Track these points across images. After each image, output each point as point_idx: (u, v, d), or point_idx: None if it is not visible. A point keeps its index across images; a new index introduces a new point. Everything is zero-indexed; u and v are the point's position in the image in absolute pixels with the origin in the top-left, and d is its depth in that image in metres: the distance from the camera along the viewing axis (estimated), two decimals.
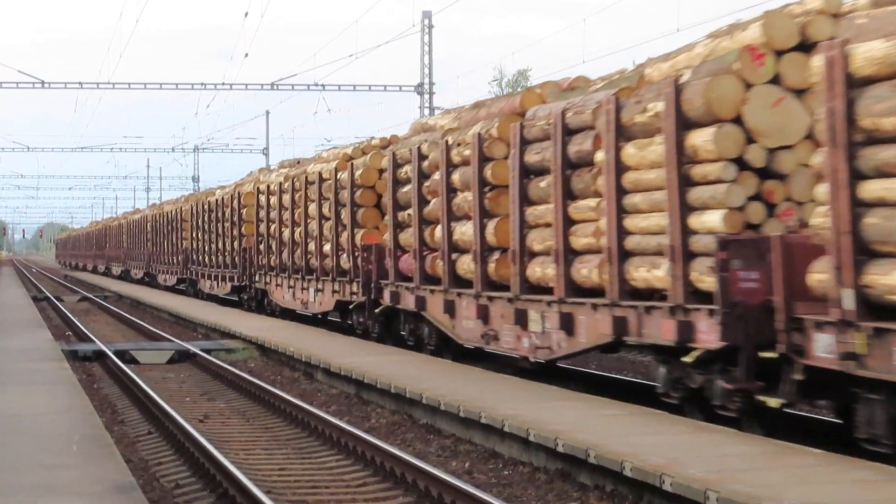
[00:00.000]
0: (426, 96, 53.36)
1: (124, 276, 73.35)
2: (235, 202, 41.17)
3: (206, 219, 46.99)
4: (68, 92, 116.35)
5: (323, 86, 57.25)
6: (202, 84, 58.97)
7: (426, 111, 52.54)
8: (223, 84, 58.30)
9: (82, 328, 33.38)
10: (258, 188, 37.85)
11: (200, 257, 48.00)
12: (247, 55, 74.50)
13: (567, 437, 12.51)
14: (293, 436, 16.30)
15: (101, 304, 48.89)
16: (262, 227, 36.51)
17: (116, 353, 25.73)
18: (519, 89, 62.79)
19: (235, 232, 40.94)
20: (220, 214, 44.11)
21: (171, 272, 55.53)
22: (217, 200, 44.92)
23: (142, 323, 36.07)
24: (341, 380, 20.65)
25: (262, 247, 36.56)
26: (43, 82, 56.85)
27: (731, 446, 12.11)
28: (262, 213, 36.60)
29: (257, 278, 37.29)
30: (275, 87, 57.08)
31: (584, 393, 16.65)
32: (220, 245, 43.71)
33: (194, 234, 49.47)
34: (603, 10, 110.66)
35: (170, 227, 56.15)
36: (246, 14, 53.12)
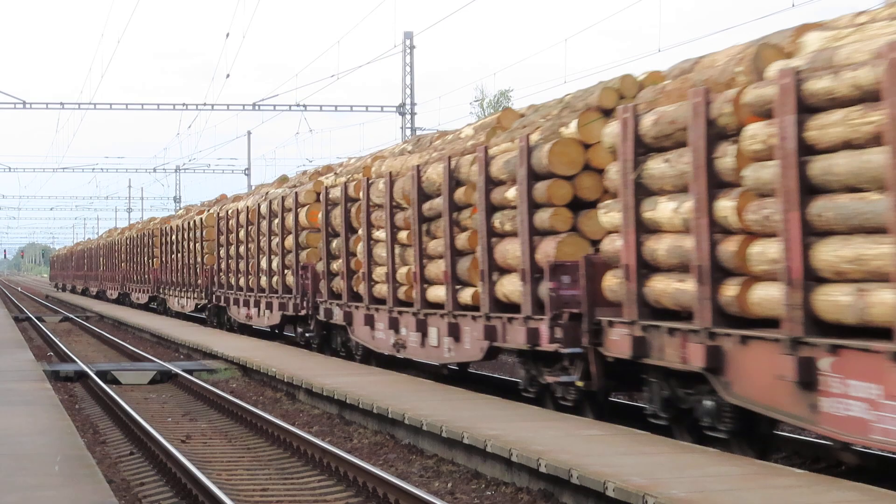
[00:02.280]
0: (408, 116, 53.42)
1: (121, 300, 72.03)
2: (199, 226, 43.26)
3: (173, 240, 48.68)
4: (50, 112, 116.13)
5: (305, 106, 57.30)
6: (184, 104, 58.86)
7: (408, 131, 52.59)
8: (205, 104, 58.25)
9: (64, 348, 33.28)
10: (218, 215, 40.16)
11: (169, 276, 49.59)
12: (228, 76, 74.58)
13: (549, 458, 12.53)
14: (275, 456, 16.28)
15: (82, 325, 48.78)
16: (223, 251, 39.08)
17: (98, 373, 25.69)
18: (500, 109, 62.85)
19: (199, 248, 43.31)
20: (186, 237, 45.83)
21: (143, 290, 57.24)
22: (183, 224, 46.52)
23: (123, 343, 36.01)
24: (323, 400, 20.64)
25: (222, 267, 39.21)
26: (24, 102, 56.68)
27: (712, 467, 12.13)
28: (223, 238, 39.01)
29: (218, 296, 39.74)
30: (256, 107, 57.00)
31: (564, 414, 16.70)
32: (187, 265, 45.66)
33: (164, 256, 50.89)
34: (584, 30, 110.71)
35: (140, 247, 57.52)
36: (227, 35, 52.85)
